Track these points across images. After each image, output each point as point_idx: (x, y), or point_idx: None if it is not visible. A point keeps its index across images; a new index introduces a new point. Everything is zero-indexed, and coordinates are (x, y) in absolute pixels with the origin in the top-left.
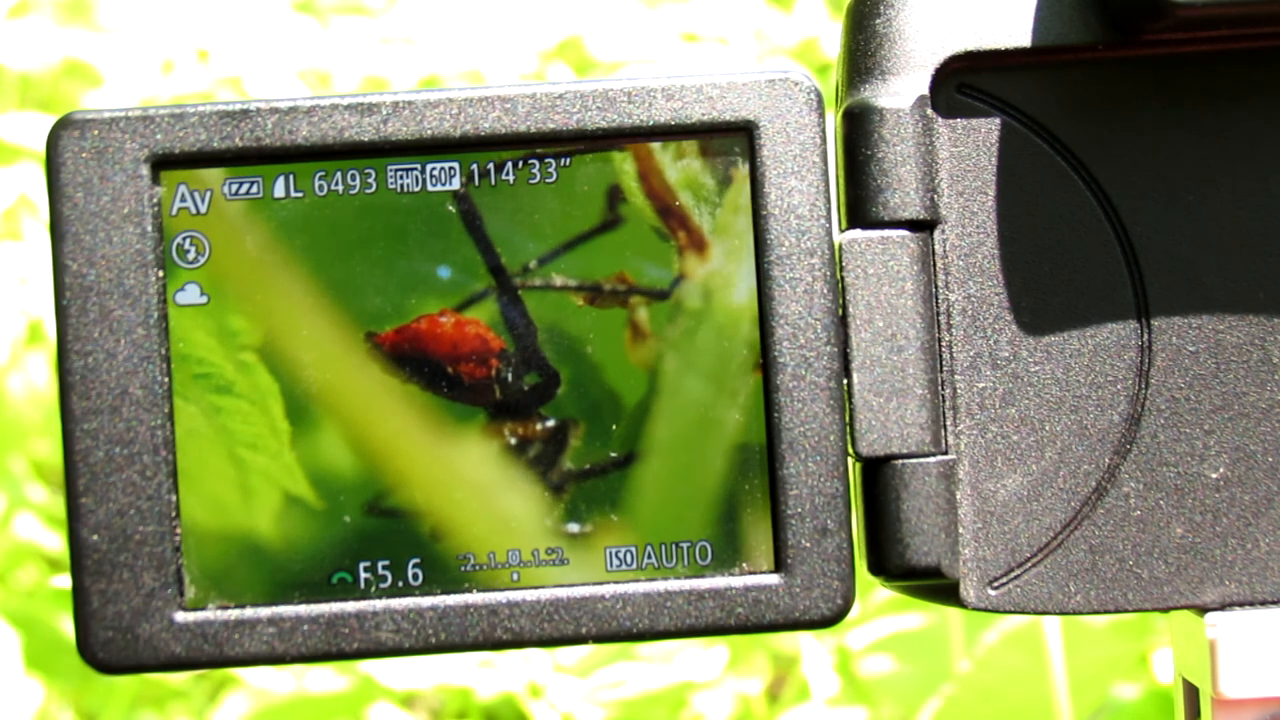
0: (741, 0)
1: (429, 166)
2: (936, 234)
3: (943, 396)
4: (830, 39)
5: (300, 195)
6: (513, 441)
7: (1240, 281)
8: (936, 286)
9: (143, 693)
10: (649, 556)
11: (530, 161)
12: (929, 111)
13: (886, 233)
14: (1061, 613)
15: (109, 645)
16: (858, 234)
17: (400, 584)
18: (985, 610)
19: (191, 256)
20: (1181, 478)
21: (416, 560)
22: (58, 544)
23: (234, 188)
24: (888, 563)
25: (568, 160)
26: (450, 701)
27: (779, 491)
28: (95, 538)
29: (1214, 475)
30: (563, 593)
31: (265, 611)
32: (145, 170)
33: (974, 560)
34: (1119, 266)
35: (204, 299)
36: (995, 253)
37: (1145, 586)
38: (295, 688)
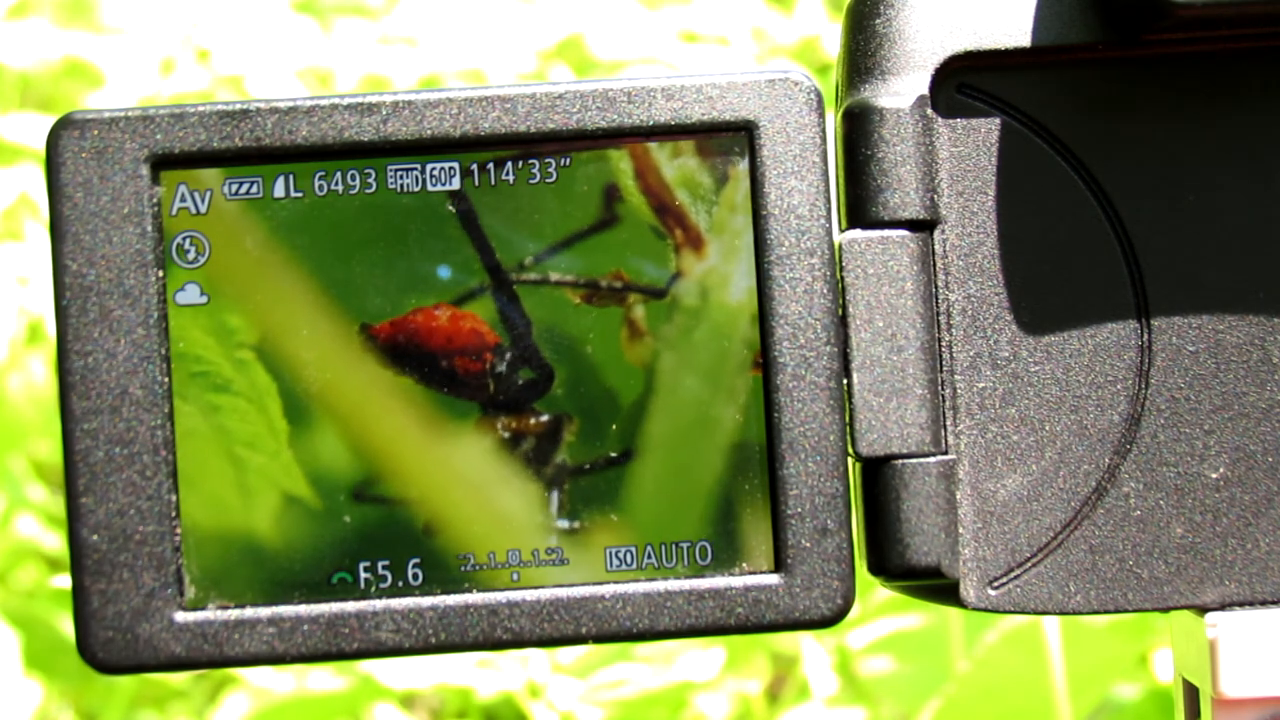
0: (741, 0)
1: (429, 166)
2: (936, 234)
3: (943, 396)
4: (830, 39)
5: (300, 195)
6: (506, 436)
7: (1240, 281)
8: (936, 286)
9: (143, 693)
10: (649, 556)
11: (530, 161)
12: (929, 111)
13: (886, 233)
14: (1061, 613)
15: (109, 645)
16: (858, 234)
17: (400, 584)
18: (985, 610)
19: (191, 256)
20: (1181, 478)
21: (416, 560)
22: (58, 544)
23: (234, 188)
24: (888, 563)
25: (567, 160)
26: (450, 701)
27: (779, 491)
28: (95, 538)
29: (1214, 475)
30: (563, 593)
31: (265, 611)
32: (145, 170)
33: (974, 560)
34: (1119, 266)
35: (204, 299)
36: (995, 253)
37: (1145, 586)
38: (295, 687)
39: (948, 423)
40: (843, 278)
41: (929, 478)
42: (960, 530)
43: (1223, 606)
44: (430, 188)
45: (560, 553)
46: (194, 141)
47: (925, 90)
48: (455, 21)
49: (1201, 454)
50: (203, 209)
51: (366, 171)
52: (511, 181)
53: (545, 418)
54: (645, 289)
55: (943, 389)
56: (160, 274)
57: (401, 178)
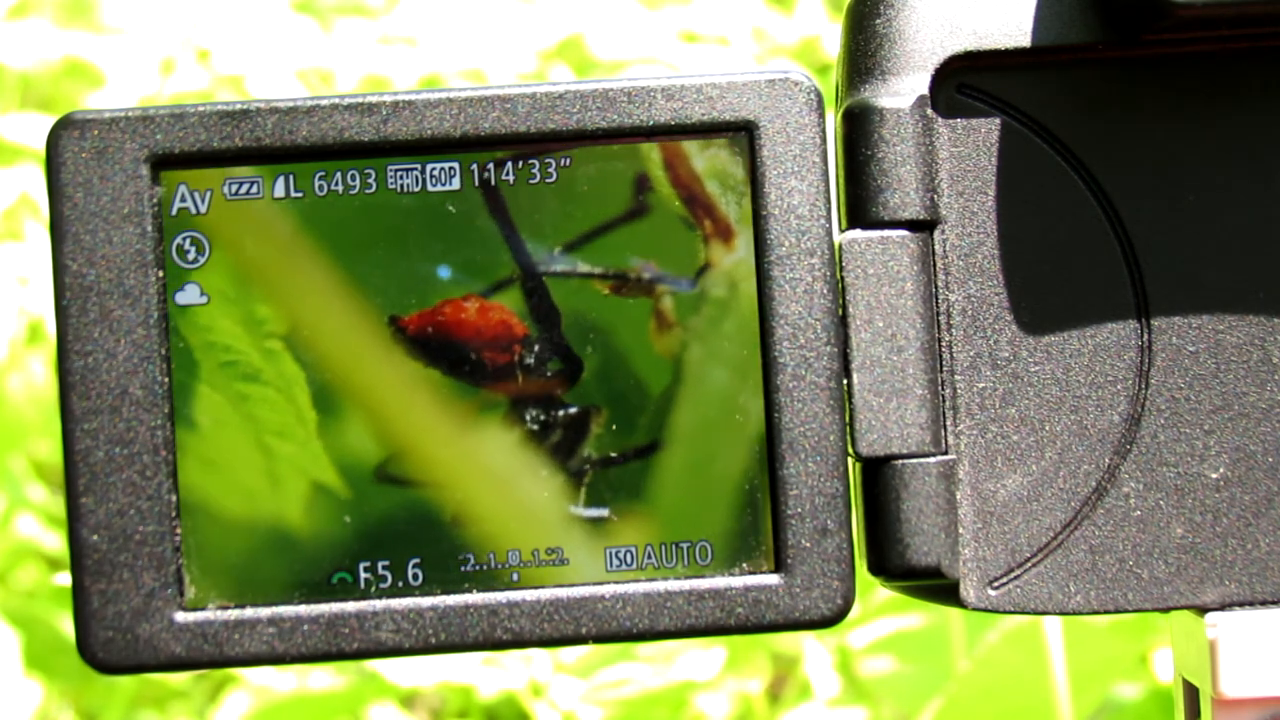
0: (741, 0)
1: (429, 166)
2: (936, 234)
3: (943, 396)
4: (830, 39)
5: (300, 195)
6: (534, 428)
7: (1240, 281)
8: (936, 286)
9: (143, 693)
10: (649, 556)
11: (546, 160)
12: (929, 111)
13: (886, 233)
14: (1061, 613)
15: (109, 645)
16: (858, 234)
17: (400, 584)
18: (985, 610)
19: (191, 256)
20: (1181, 478)
21: (416, 560)
22: (58, 544)
23: (234, 188)
24: (888, 563)
25: (567, 160)
26: (452, 700)
27: (779, 491)
28: (95, 538)
29: (1214, 475)
30: (563, 593)
31: (265, 611)
32: (145, 170)
33: (974, 560)
34: (1119, 266)
35: (204, 299)
36: (995, 253)
37: (1145, 586)
38: (296, 686)
39: (948, 423)
40: (843, 278)
41: (929, 478)
42: (960, 530)
43: (1223, 606)
44: (430, 188)
45: (560, 553)
46: (194, 141)
47: (925, 90)
48: (455, 21)
49: (1201, 454)
50: (203, 209)
51: (367, 171)
52: (537, 179)
53: (574, 409)
54: (674, 280)
55: (943, 389)
56: (160, 274)
57: (402, 177)
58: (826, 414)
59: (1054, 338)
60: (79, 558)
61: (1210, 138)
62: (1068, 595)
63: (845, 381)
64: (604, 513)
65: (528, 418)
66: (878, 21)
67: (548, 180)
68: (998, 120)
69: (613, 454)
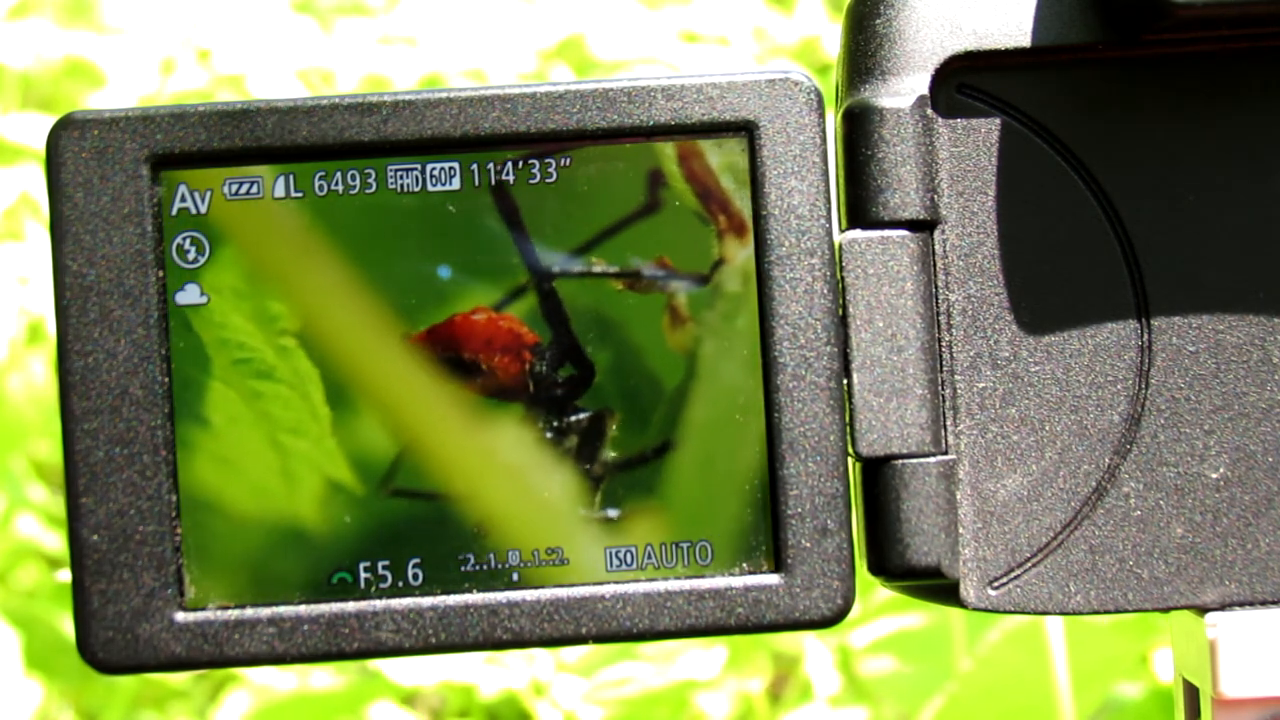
0: (741, 0)
1: (429, 166)
2: (936, 234)
3: (943, 396)
4: (830, 39)
5: (300, 195)
6: (549, 435)
7: (1240, 281)
8: (936, 286)
9: (143, 693)
10: (649, 556)
11: (547, 160)
12: (929, 111)
13: (886, 233)
14: (1062, 613)
15: (109, 645)
16: (858, 234)
17: (400, 584)
18: (985, 610)
19: (191, 256)
20: (1181, 478)
21: (416, 560)
22: (58, 544)
23: (234, 188)
24: (888, 563)
25: (567, 160)
26: (453, 699)
27: (779, 491)
28: (95, 538)
29: (1214, 475)
30: (563, 593)
31: (265, 611)
32: (145, 170)
33: (974, 560)
34: (1119, 266)
35: (204, 299)
36: (995, 253)
37: (1145, 586)
38: (297, 685)
39: (948, 423)
40: (843, 278)
41: (929, 478)
42: (960, 530)
43: (1223, 606)
44: (430, 188)
45: (560, 553)
46: (194, 141)
47: (925, 90)
48: (455, 21)
49: (1201, 454)
50: (203, 209)
51: (367, 172)
52: (537, 179)
53: (587, 414)
54: (688, 276)
55: (943, 389)
56: (160, 274)
57: (401, 178)
58: (826, 414)
59: (1054, 338)
60: (79, 558)
61: (1210, 138)
62: (1068, 595)
63: (845, 381)
64: (617, 514)
65: (541, 424)
66: (878, 21)
67: (548, 180)
68: (998, 120)
69: (628, 455)
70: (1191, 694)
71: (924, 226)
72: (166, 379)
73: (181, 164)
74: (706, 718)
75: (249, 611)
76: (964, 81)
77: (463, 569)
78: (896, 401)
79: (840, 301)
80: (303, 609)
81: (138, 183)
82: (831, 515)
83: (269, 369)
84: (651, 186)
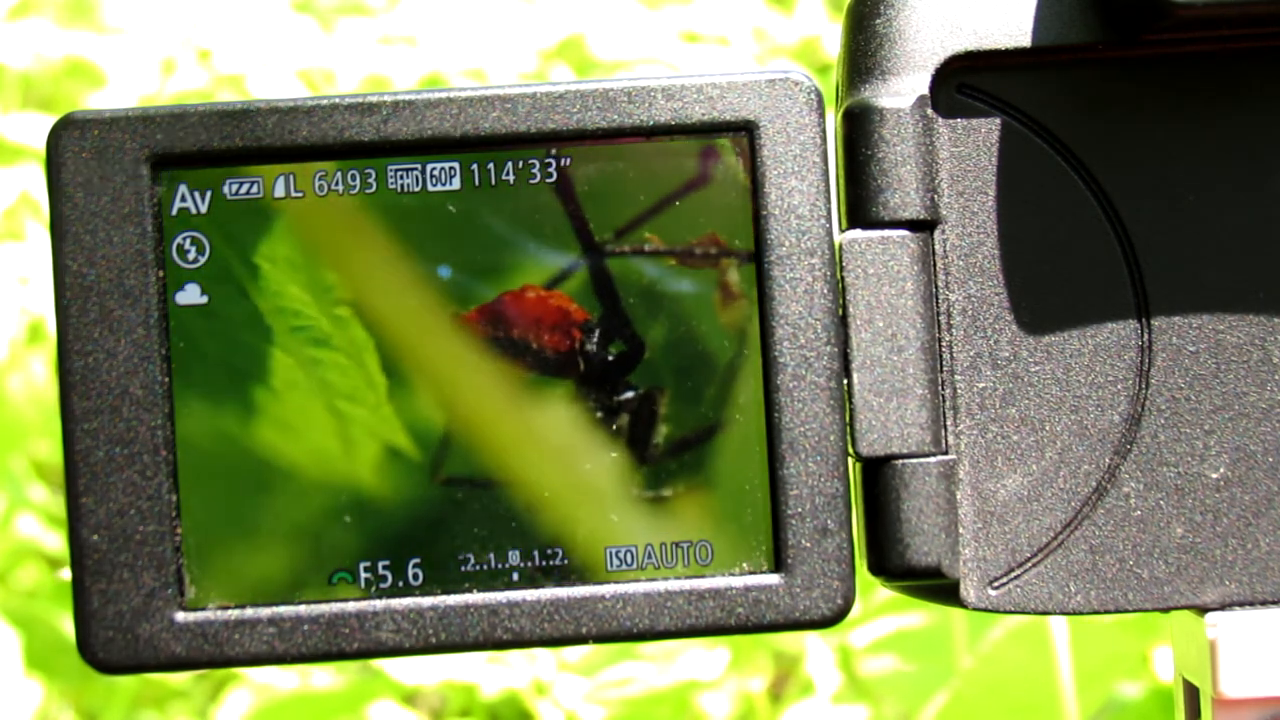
0: (741, 0)
1: (429, 166)
2: (936, 234)
3: (943, 396)
4: (830, 39)
5: (300, 195)
6: (599, 413)
7: (1240, 281)
8: (936, 286)
9: (143, 693)
10: (649, 556)
11: (546, 160)
12: (929, 111)
13: (887, 233)
14: (1062, 613)
15: (109, 645)
16: (858, 234)
17: (400, 584)
18: (985, 610)
19: (192, 256)
20: (1181, 478)
21: (416, 560)
22: (58, 544)
23: (234, 188)
24: (888, 563)
25: (568, 160)
26: (454, 699)
27: (779, 491)
28: (95, 538)
29: (1214, 475)
30: (563, 592)
31: (265, 611)
32: (145, 170)
33: (974, 560)
34: (1119, 266)
35: (204, 299)
36: (995, 253)
37: (1145, 586)
38: (298, 684)
39: (948, 423)
40: (843, 278)
41: (929, 478)
42: (960, 530)
43: (1223, 606)
44: (430, 188)
45: (560, 553)
46: (194, 141)
47: (925, 90)
48: (456, 21)
49: (1202, 454)
50: (203, 209)
51: (367, 171)
52: (554, 178)
53: (638, 390)
54: (739, 253)
55: (943, 389)
56: (160, 274)
57: (401, 178)
58: (826, 414)
59: (1054, 338)
60: (79, 558)
61: (1210, 138)
62: (1068, 595)
63: (845, 381)
64: (672, 493)
65: (592, 402)
66: (878, 21)
67: (548, 180)
68: (998, 120)
69: (679, 431)
70: (1191, 694)
71: (924, 226)
72: (166, 379)
73: (181, 164)
74: (708, 717)
75: (249, 611)
76: (964, 81)
77: (463, 569)
78: (896, 401)
79: (840, 301)
80: (303, 609)
81: (138, 183)
82: (831, 515)
83: (325, 337)
84: (703, 162)
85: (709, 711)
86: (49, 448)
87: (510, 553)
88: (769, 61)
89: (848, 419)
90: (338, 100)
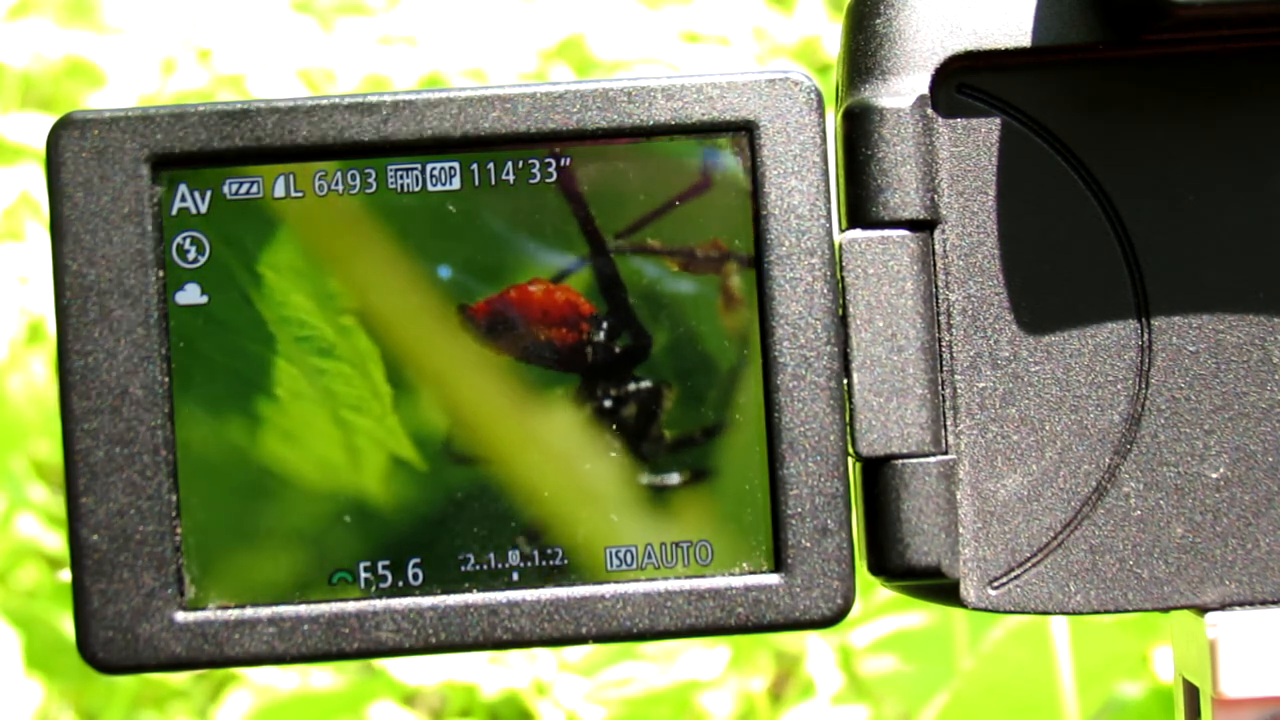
0: (741, 0)
1: (429, 166)
2: (936, 234)
3: (943, 396)
4: (830, 39)
5: (300, 195)
6: (606, 405)
7: (1240, 281)
8: (936, 286)
9: (143, 693)
10: (649, 556)
11: (546, 160)
12: (929, 111)
13: (887, 233)
14: (1062, 613)
15: (109, 645)
16: (858, 234)
17: (400, 584)
18: (985, 610)
19: (191, 256)
20: (1181, 478)
21: (417, 560)
22: (58, 544)
23: (234, 187)
24: (888, 563)
25: (568, 160)
26: (455, 699)
27: (779, 491)
28: (95, 538)
29: (1214, 475)
30: (563, 593)
31: (265, 611)
32: (145, 170)
33: (974, 560)
34: (1119, 266)
35: (204, 299)
36: (995, 253)
37: (1145, 586)
38: (299, 684)
39: (948, 423)
40: (843, 278)
41: (929, 478)
42: (960, 530)
43: (1223, 606)
44: (430, 188)
45: (560, 553)
46: (194, 141)
47: (925, 90)
48: (455, 21)
49: (1201, 454)
50: (203, 209)
51: (367, 171)
52: (554, 178)
53: (645, 384)
54: (741, 257)
55: (943, 389)
56: (160, 274)
57: (401, 178)
58: (826, 414)
59: (1054, 338)
60: (79, 558)
61: (1210, 138)
62: (1068, 595)
63: (845, 381)
64: (674, 485)
65: (600, 394)
66: (878, 21)
67: (548, 180)
68: (998, 120)
69: (683, 430)
70: (1191, 694)
71: (924, 226)
72: (166, 379)
73: (181, 164)
74: (708, 717)
75: (249, 611)
76: (964, 81)
77: (462, 569)
78: (896, 401)
79: (840, 301)
80: (303, 609)
81: (138, 183)
82: (831, 515)
83: (330, 346)
84: (705, 167)
85: (709, 711)
86: (49, 448)
87: (510, 553)
88: (769, 61)
89: (848, 419)
90: (338, 100)
